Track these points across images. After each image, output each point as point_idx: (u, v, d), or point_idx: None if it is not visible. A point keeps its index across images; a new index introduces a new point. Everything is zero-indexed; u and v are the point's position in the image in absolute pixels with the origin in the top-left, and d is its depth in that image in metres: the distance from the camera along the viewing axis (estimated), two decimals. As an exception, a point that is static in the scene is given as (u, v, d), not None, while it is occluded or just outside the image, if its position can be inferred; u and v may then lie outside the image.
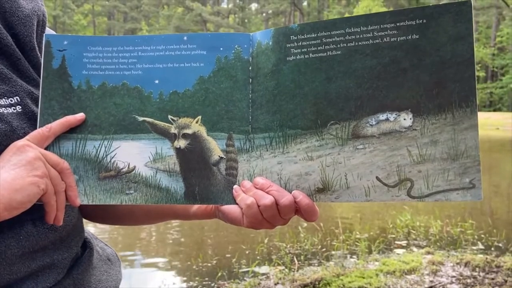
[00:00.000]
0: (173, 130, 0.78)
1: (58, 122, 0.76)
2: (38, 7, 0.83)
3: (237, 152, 0.77)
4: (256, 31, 0.81)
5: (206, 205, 0.82)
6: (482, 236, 4.55)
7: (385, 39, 0.73)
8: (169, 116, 0.78)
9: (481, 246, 4.28)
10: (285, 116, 0.76)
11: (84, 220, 0.94)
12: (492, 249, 4.20)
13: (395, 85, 0.73)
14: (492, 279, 3.38)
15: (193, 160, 0.78)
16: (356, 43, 0.74)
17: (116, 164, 0.78)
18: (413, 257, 3.83)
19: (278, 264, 3.76)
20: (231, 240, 4.52)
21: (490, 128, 22.46)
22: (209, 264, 3.87)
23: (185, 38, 0.79)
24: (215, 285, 3.45)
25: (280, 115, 0.76)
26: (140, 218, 0.98)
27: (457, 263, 3.70)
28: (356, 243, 4.30)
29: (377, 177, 0.73)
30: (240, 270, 3.71)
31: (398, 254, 4.04)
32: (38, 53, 0.80)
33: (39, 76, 0.78)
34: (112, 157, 0.78)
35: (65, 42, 0.79)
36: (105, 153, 0.78)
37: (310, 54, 0.76)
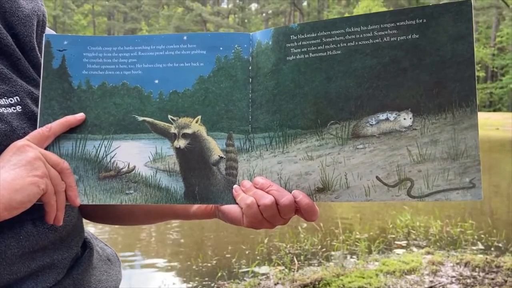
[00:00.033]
0: (173, 130, 0.78)
1: (58, 122, 0.76)
2: (38, 7, 0.83)
3: (237, 151, 0.77)
4: (256, 31, 0.81)
5: (206, 205, 0.82)
6: (482, 236, 4.55)
7: (385, 39, 0.73)
8: (169, 116, 0.78)
9: (481, 246, 4.28)
10: (285, 115, 0.76)
11: (84, 220, 0.94)
12: (492, 249, 4.20)
13: (395, 84, 0.73)
14: (492, 279, 3.39)
15: (193, 160, 0.78)
16: (356, 43, 0.74)
17: (116, 164, 0.78)
18: (413, 257, 3.83)
19: (278, 264, 3.76)
20: (231, 240, 4.52)
21: (490, 128, 22.47)
22: (209, 264, 3.87)
23: (185, 37, 0.79)
24: (215, 285, 3.45)
25: (280, 115, 0.76)
26: (140, 218, 0.98)
27: (457, 263, 3.70)
28: (356, 243, 4.30)
29: (377, 177, 0.73)
30: (240, 270, 3.71)
31: (398, 254, 4.04)
32: (38, 53, 0.80)
33: (39, 76, 0.78)
34: (112, 157, 0.78)
35: (65, 42, 0.79)
36: (105, 153, 0.78)
37: (310, 54, 0.76)
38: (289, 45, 0.76)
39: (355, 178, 0.74)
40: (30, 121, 0.75)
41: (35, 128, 0.74)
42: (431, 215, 5.06)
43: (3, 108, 0.71)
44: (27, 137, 0.71)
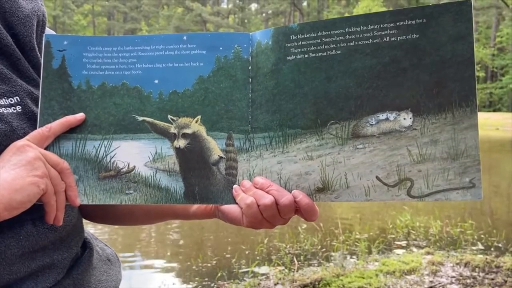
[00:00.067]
0: (173, 129, 0.78)
1: (58, 122, 0.76)
2: (38, 7, 0.83)
3: (236, 151, 0.77)
4: (255, 31, 0.81)
5: (206, 205, 0.82)
6: (482, 236, 4.55)
7: (385, 39, 0.73)
8: (169, 116, 0.78)
9: (480, 247, 4.28)
10: (285, 115, 0.76)
11: (84, 220, 0.94)
12: (492, 249, 4.20)
13: (395, 84, 0.73)
14: (492, 279, 3.39)
15: (192, 159, 0.78)
16: (356, 43, 0.74)
17: (116, 164, 0.78)
18: (413, 257, 3.83)
19: (278, 265, 3.76)
20: (230, 240, 4.52)
21: (489, 128, 22.47)
22: (209, 265, 3.87)
23: (184, 37, 0.79)
24: (215, 286, 3.45)
25: (280, 115, 0.76)
26: (139, 218, 0.98)
27: (457, 264, 3.70)
28: (356, 243, 4.30)
29: (377, 177, 0.73)
30: (240, 271, 3.71)
31: (398, 254, 4.04)
32: (38, 53, 0.80)
33: (39, 76, 0.78)
34: (112, 157, 0.78)
35: (65, 42, 0.79)
36: (105, 153, 0.78)
37: (310, 54, 0.76)
38: (289, 45, 0.76)
39: (355, 178, 0.74)
40: (30, 121, 0.75)
41: (35, 128, 0.74)
42: (431, 215, 5.06)
43: (3, 108, 0.71)
44: (27, 137, 0.71)
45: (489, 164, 9.78)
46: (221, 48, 0.79)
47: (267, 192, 0.74)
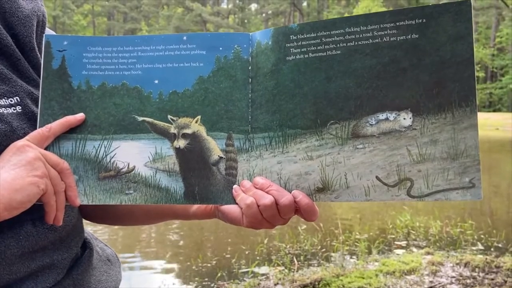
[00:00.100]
0: (173, 130, 0.78)
1: (58, 122, 0.76)
2: (38, 7, 0.83)
3: (236, 151, 0.77)
4: (255, 31, 0.81)
5: (206, 205, 0.82)
6: (482, 236, 4.55)
7: (384, 39, 0.73)
8: (169, 116, 0.78)
9: (480, 247, 4.28)
10: (284, 115, 0.76)
11: (84, 220, 0.94)
12: (492, 249, 4.20)
13: (394, 84, 0.73)
14: (492, 279, 3.39)
15: (192, 160, 0.78)
16: (356, 43, 0.74)
17: (116, 164, 0.78)
18: (413, 257, 3.83)
19: (278, 265, 3.76)
20: (230, 240, 4.52)
21: (489, 128, 22.47)
22: (209, 265, 3.87)
23: (184, 38, 0.79)
24: (215, 286, 3.45)
25: (279, 115, 0.76)
26: (139, 218, 0.98)
27: (457, 264, 3.70)
28: (356, 243, 4.30)
29: (377, 177, 0.73)
30: (240, 271, 3.71)
31: (397, 254, 4.04)
32: (38, 53, 0.80)
33: (39, 77, 0.78)
34: (112, 157, 0.78)
35: (65, 43, 0.79)
36: (104, 153, 0.78)
37: (310, 54, 0.76)
38: (288, 45, 0.76)
39: (355, 178, 0.74)
40: (30, 121, 0.75)
41: (35, 128, 0.74)
42: (431, 216, 5.06)
43: (3, 109, 0.71)
44: (27, 137, 0.72)
45: (489, 164, 9.78)
46: (221, 48, 0.79)
47: (267, 192, 0.74)
